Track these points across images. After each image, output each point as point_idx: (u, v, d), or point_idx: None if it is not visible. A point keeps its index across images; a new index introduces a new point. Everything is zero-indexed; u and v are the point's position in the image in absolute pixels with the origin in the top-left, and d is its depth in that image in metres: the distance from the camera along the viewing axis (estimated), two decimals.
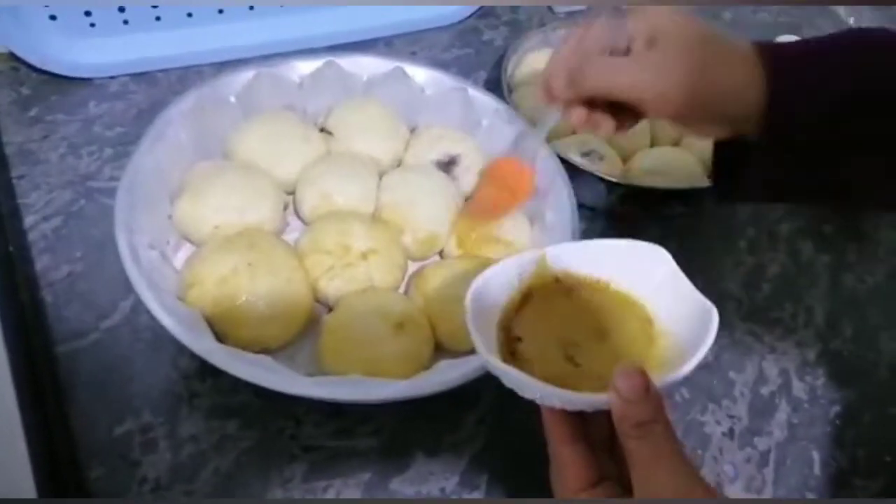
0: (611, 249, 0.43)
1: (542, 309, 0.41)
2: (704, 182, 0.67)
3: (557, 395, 0.35)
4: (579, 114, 0.46)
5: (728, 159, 0.48)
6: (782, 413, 0.59)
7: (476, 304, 0.38)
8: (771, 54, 0.42)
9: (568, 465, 0.36)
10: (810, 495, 0.55)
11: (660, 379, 0.35)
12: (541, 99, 0.48)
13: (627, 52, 0.44)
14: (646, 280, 0.42)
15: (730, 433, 0.57)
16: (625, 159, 0.70)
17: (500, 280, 0.41)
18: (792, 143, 0.43)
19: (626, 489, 0.34)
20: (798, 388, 0.61)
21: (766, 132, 0.43)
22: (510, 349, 0.39)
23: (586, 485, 0.35)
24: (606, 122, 0.47)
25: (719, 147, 0.49)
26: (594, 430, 0.38)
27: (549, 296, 0.42)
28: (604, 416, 0.35)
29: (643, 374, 0.34)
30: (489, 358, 0.36)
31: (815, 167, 0.44)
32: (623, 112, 0.46)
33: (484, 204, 0.58)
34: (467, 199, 0.62)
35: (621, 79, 0.43)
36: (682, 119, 0.44)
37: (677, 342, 0.39)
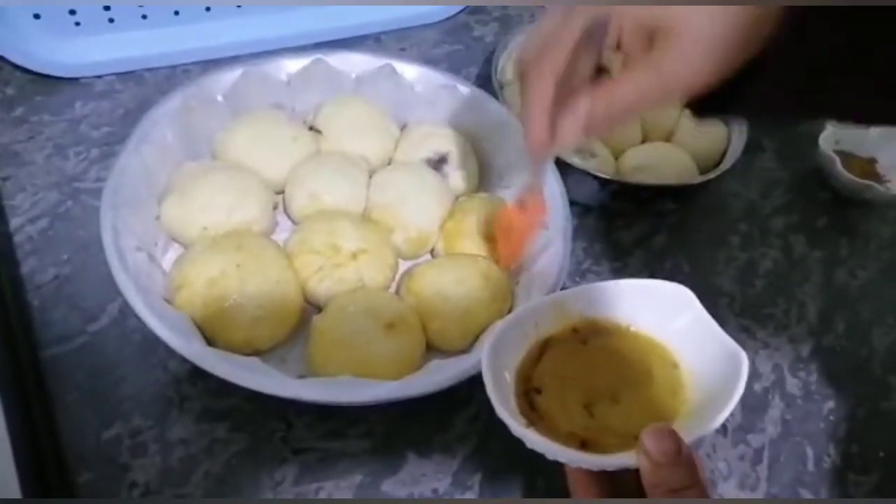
0: (631, 290, 0.41)
1: (560, 359, 0.40)
2: (696, 178, 0.67)
3: (583, 459, 0.34)
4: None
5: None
6: (775, 409, 0.59)
7: (493, 360, 0.37)
8: None
9: None
10: (804, 491, 0.54)
11: (689, 433, 0.33)
12: (531, 152, 0.43)
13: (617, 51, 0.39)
14: (669, 323, 0.40)
15: (723, 430, 0.56)
16: (616, 156, 0.70)
17: (516, 332, 0.40)
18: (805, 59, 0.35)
19: None
20: (791, 384, 0.61)
21: (778, 49, 0.34)
22: (529, 402, 0.38)
23: None
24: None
25: None
26: (621, 479, 0.36)
27: (567, 345, 0.41)
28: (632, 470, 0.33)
29: (673, 435, 0.32)
30: (510, 422, 0.35)
31: (827, 84, 0.36)
32: None
33: (506, 252, 0.56)
34: (458, 196, 0.62)
35: (641, 101, 0.37)
36: None
37: (704, 387, 0.38)
